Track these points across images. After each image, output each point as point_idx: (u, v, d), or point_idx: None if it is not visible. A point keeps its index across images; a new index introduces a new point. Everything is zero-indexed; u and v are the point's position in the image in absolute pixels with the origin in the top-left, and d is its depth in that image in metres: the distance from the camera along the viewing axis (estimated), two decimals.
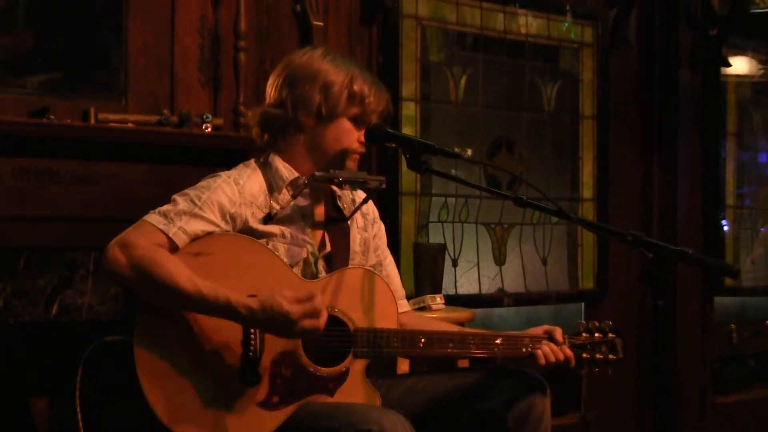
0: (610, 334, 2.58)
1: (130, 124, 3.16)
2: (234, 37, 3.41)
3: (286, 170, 2.51)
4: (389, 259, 2.75)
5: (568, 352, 2.52)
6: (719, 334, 5.23)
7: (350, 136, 2.52)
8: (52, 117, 3.04)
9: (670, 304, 4.73)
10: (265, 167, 2.52)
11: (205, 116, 3.31)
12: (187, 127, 3.27)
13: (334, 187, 2.62)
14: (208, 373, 2.29)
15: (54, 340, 3.03)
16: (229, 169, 2.54)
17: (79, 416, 2.45)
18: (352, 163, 2.54)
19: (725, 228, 5.29)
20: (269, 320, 2.24)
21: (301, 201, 2.52)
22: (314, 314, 2.26)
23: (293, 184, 2.50)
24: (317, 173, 2.47)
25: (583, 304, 4.82)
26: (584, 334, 2.58)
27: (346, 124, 2.51)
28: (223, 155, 3.18)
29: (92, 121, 3.12)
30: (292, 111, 2.51)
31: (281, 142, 2.54)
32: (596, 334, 2.58)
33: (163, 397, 2.25)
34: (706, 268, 4.58)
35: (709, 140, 5.10)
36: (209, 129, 3.30)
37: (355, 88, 2.49)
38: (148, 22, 3.36)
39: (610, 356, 2.57)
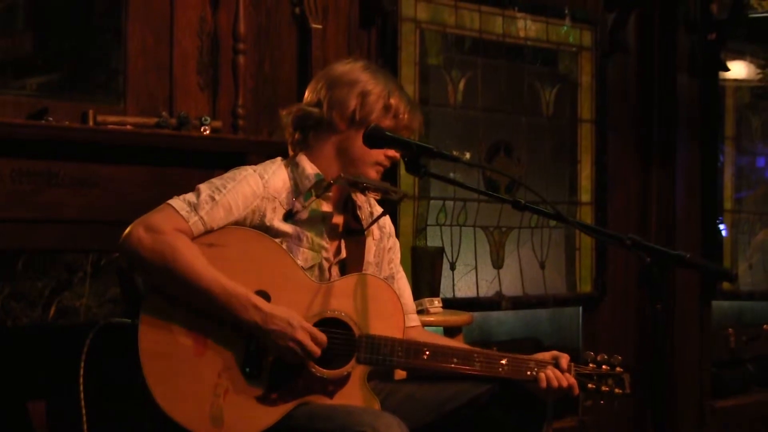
0: (618, 368, 2.56)
1: (128, 127, 3.16)
2: (233, 39, 3.40)
3: (312, 170, 2.51)
4: (401, 274, 2.75)
5: (572, 380, 2.50)
6: (717, 339, 5.24)
7: None
8: (51, 119, 3.04)
9: (668, 308, 4.73)
10: (292, 166, 2.54)
11: (203, 119, 3.31)
12: (186, 130, 3.26)
13: (355, 197, 2.63)
14: (210, 361, 2.30)
15: (52, 343, 3.03)
16: (227, 171, 2.54)
17: (82, 395, 2.45)
18: (374, 174, 2.55)
19: (723, 232, 5.29)
20: (273, 322, 2.29)
21: (324, 206, 2.53)
22: (315, 337, 2.31)
23: (318, 185, 2.51)
24: (344, 174, 2.48)
25: (580, 308, 4.82)
26: (591, 365, 2.56)
27: None
28: (221, 158, 3.18)
29: (91, 123, 3.12)
30: (327, 111, 2.52)
31: (311, 141, 2.56)
32: (603, 367, 2.56)
33: (163, 380, 2.27)
34: (704, 273, 4.58)
35: (708, 144, 5.10)
36: (208, 131, 3.30)
37: (392, 101, 2.52)
38: (147, 25, 3.35)
39: (616, 390, 2.54)
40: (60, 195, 2.99)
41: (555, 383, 2.47)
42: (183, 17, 3.43)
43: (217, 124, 3.36)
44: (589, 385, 2.54)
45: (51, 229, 3.00)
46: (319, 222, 2.51)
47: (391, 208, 2.67)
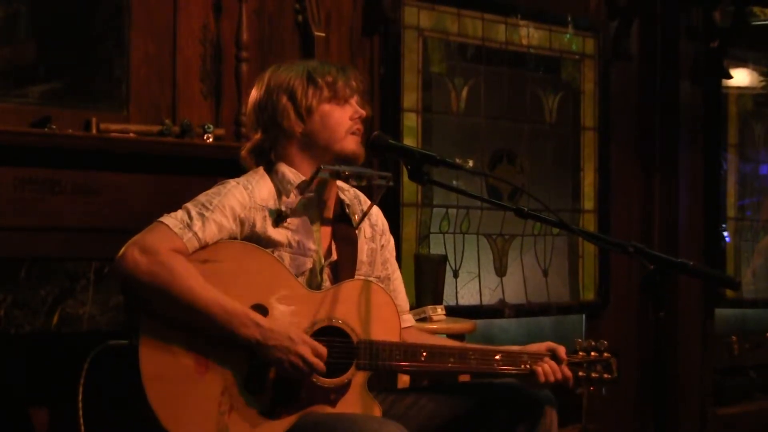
0: (605, 354, 2.58)
1: (131, 135, 3.16)
2: (236, 47, 3.41)
3: (292, 174, 2.51)
4: (397, 274, 2.74)
5: (568, 372, 2.51)
6: (720, 346, 5.23)
7: (336, 116, 2.51)
8: (54, 127, 3.04)
9: (671, 315, 4.72)
10: (273, 174, 2.53)
11: (206, 126, 3.31)
12: (189, 138, 3.27)
13: (343, 197, 2.62)
14: (212, 379, 2.29)
15: (55, 351, 3.03)
16: (230, 178, 2.54)
17: (81, 420, 2.44)
18: (354, 143, 2.52)
19: (726, 240, 5.29)
20: (273, 337, 2.28)
21: (309, 204, 2.52)
22: (316, 350, 2.31)
23: (300, 186, 2.50)
24: (323, 166, 2.46)
25: (584, 316, 4.82)
26: (581, 353, 2.57)
27: (325, 108, 2.51)
28: (224, 165, 3.16)
29: (94, 131, 3.13)
30: (273, 126, 2.52)
31: (276, 158, 2.54)
32: (592, 353, 2.58)
33: (167, 402, 2.25)
34: (707, 280, 4.58)
35: (711, 152, 5.10)
36: (211, 139, 3.30)
37: (318, 79, 2.51)
38: (149, 33, 3.36)
39: (605, 375, 2.56)
40: (63, 203, 2.99)
41: (552, 377, 2.49)
42: (186, 25, 3.43)
43: (220, 131, 3.36)
44: (580, 374, 2.55)
45: (54, 236, 3.00)
46: (307, 224, 2.50)
47: (382, 194, 2.60)
